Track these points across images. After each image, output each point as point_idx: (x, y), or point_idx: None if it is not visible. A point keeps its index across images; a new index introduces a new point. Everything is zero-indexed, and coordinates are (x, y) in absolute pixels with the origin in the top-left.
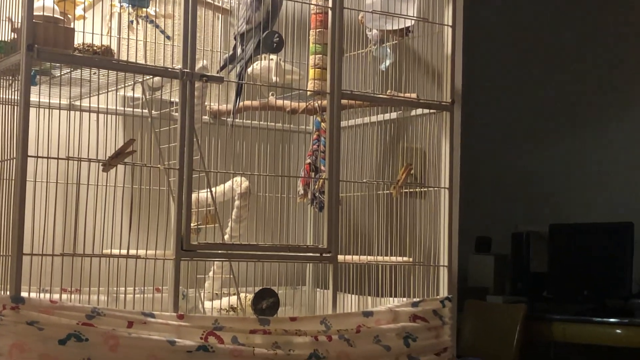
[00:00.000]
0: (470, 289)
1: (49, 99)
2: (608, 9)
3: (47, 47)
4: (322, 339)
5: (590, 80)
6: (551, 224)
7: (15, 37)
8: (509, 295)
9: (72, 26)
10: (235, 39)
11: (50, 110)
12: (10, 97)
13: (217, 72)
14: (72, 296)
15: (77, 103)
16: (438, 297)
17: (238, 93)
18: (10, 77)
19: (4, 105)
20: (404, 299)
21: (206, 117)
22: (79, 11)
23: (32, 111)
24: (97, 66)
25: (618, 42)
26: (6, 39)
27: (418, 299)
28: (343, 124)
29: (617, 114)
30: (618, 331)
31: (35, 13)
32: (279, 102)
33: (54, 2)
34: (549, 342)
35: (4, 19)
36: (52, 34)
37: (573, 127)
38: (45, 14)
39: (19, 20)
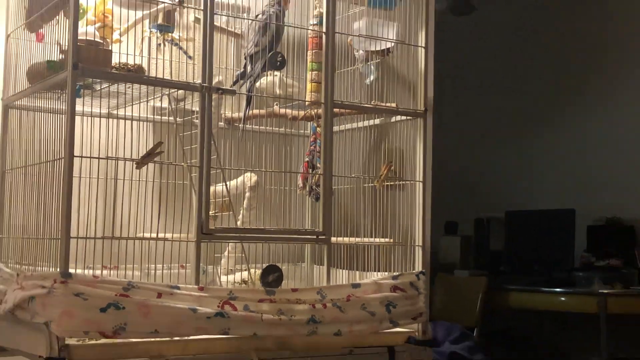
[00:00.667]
0: (440, 265)
1: (91, 109)
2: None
3: (89, 65)
4: (318, 306)
5: (536, 94)
6: (507, 211)
7: (63, 57)
8: (473, 270)
9: (110, 48)
10: (245, 58)
11: (92, 118)
12: (59, 107)
13: (231, 86)
14: (111, 272)
15: (114, 112)
16: (414, 271)
17: (248, 103)
18: (59, 91)
19: (54, 114)
20: (386, 273)
21: (221, 123)
22: (115, 36)
23: (77, 119)
24: (131, 81)
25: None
26: (56, 59)
27: (397, 273)
28: (335, 128)
29: (559, 121)
30: (562, 299)
31: (79, 37)
32: (282, 111)
33: (94, 28)
34: (505, 308)
35: (54, 42)
36: (93, 55)
37: (525, 131)
38: (87, 38)
39: (66, 44)
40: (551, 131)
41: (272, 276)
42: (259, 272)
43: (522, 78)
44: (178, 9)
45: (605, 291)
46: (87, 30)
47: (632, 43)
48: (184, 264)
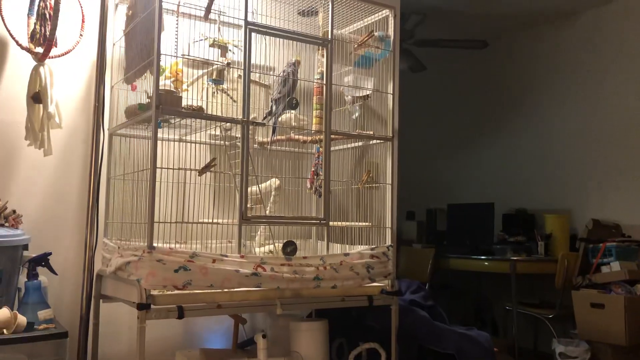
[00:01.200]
0: (403, 240)
1: (168, 135)
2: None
3: (167, 106)
4: (320, 268)
5: (466, 124)
6: (448, 204)
7: (149, 101)
8: (425, 244)
9: (180, 95)
10: (271, 101)
11: (168, 142)
12: (146, 134)
13: (262, 120)
14: (181, 245)
15: (184, 137)
16: (385, 245)
17: (273, 132)
18: (146, 124)
19: (143, 139)
20: (366, 246)
21: (255, 145)
22: (184, 87)
23: (158, 143)
24: (195, 117)
25: (480, 102)
26: (144, 102)
27: (374, 246)
28: (332, 148)
29: (482, 142)
30: (486, 263)
31: (160, 88)
32: (296, 137)
33: (170, 81)
34: (447, 270)
35: (143, 91)
36: (169, 99)
37: (459, 149)
38: (165, 88)
39: (152, 92)
40: (477, 149)
41: (289, 248)
42: (280, 245)
43: (456, 113)
44: (227, 68)
45: (515, 258)
46: (165, 83)
47: (528, 94)
48: (230, 240)
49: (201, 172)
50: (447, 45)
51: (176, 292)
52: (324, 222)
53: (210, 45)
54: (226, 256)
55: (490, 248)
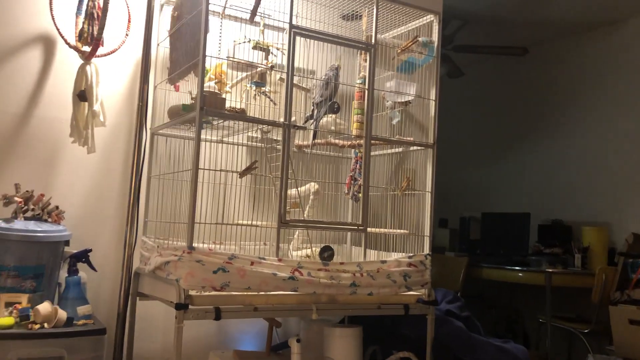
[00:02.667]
0: (435, 248)
1: (211, 136)
2: (511, 89)
3: (210, 108)
4: (357, 275)
5: (504, 130)
6: (482, 212)
7: (193, 102)
8: (458, 252)
9: (224, 96)
10: (312, 105)
11: (212, 142)
12: (188, 134)
13: (303, 124)
14: (220, 246)
15: (226, 139)
16: (423, 253)
17: (314, 136)
18: (189, 124)
19: (186, 140)
20: (404, 254)
21: (294, 148)
22: (227, 88)
23: (202, 143)
24: (237, 119)
25: (518, 108)
26: (188, 103)
27: (412, 254)
28: (371, 153)
29: (520, 149)
30: (520, 274)
31: (204, 89)
32: (336, 141)
33: (214, 83)
34: (480, 279)
35: (187, 91)
36: (213, 101)
37: (495, 157)
38: (209, 90)
39: (196, 93)
40: (514, 157)
41: (326, 253)
42: (317, 250)
43: (494, 120)
44: (269, 71)
45: (550, 270)
46: (209, 84)
47: (568, 103)
48: (266, 242)
49: (242, 174)
50: (486, 52)
51: (214, 292)
52: (362, 228)
53: (252, 48)
54: (264, 259)
55: (524, 259)
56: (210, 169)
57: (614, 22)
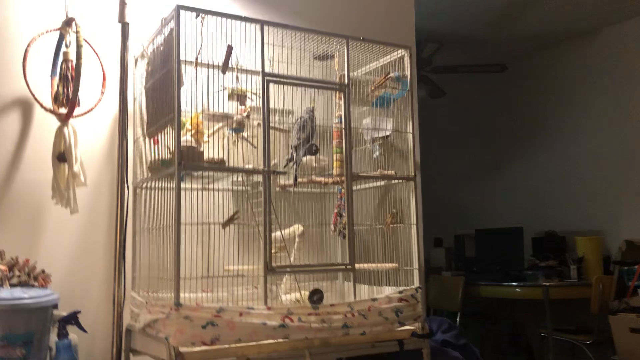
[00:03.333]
0: (432, 268)
1: (191, 185)
2: (497, 107)
3: (189, 161)
4: (349, 315)
5: (492, 149)
6: (476, 229)
7: (171, 157)
8: (454, 271)
9: (201, 150)
10: (291, 148)
11: (191, 191)
12: (169, 186)
13: (283, 167)
14: (208, 294)
15: (207, 186)
16: (413, 286)
17: (295, 180)
18: (170, 178)
19: (167, 191)
20: (395, 288)
21: (278, 188)
22: (205, 138)
23: (184, 192)
24: (216, 170)
25: (504, 127)
26: (167, 158)
27: (402, 288)
28: (354, 188)
29: (510, 167)
30: (517, 289)
31: (182, 143)
32: (318, 179)
33: (191, 134)
34: (478, 297)
35: (165, 145)
36: (191, 155)
37: (486, 175)
38: (187, 144)
39: (173, 147)
40: (502, 173)
41: (316, 296)
42: (306, 293)
43: (479, 137)
44: (246, 119)
45: (547, 283)
46: (186, 138)
47: (553, 115)
48: (256, 285)
49: (225, 225)
50: (465, 71)
51: (205, 347)
52: (350, 267)
53: (228, 97)
54: (253, 309)
55: (521, 274)
56: (192, 223)
57: (588, 33)
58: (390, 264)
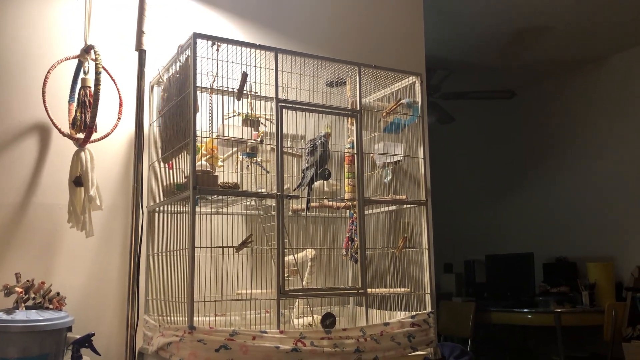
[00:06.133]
0: (442, 294)
1: (206, 209)
2: (505, 131)
3: (204, 186)
4: (361, 340)
5: (500, 175)
6: (486, 255)
7: (186, 181)
8: (465, 297)
9: (216, 174)
10: (302, 172)
11: (205, 215)
12: (183, 209)
13: (294, 190)
14: (221, 318)
15: (221, 210)
16: (425, 311)
17: (307, 204)
18: (185, 202)
19: (182, 215)
20: (407, 313)
21: (290, 212)
22: (220, 162)
23: (199, 216)
24: (230, 194)
25: (512, 153)
26: (181, 182)
27: (415, 313)
28: (366, 212)
29: (519, 192)
30: (529, 316)
31: (197, 168)
32: (330, 203)
33: (205, 159)
34: (489, 324)
35: (180, 170)
36: (205, 179)
37: (496, 201)
38: (202, 168)
39: (188, 171)
40: (512, 198)
41: (328, 320)
42: (319, 317)
43: (489, 163)
44: (259, 144)
45: (559, 310)
46: (202, 163)
47: (562, 140)
48: (268, 309)
49: (238, 249)
50: (474, 97)
51: None
52: (362, 292)
53: (242, 123)
54: (265, 332)
55: (532, 300)
56: (206, 247)
57: (600, 59)
58: (402, 289)
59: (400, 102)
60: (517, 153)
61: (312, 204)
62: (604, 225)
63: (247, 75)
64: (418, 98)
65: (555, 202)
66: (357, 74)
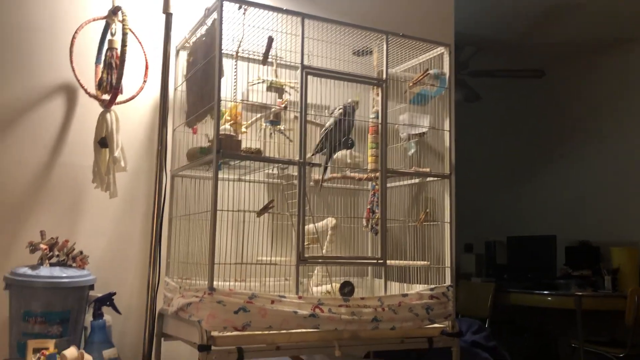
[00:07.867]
0: (461, 274)
1: (228, 176)
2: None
3: (227, 150)
4: (379, 310)
5: (526, 153)
6: (508, 236)
7: (210, 144)
8: (484, 278)
9: (239, 138)
10: (320, 136)
11: (227, 181)
12: (207, 175)
13: (312, 155)
14: (240, 283)
15: (243, 177)
16: (445, 284)
17: (324, 171)
18: (207, 166)
19: (204, 180)
20: (426, 285)
21: (311, 182)
22: (243, 129)
23: (221, 183)
24: (253, 160)
25: (538, 132)
26: (205, 146)
27: (434, 286)
28: (388, 185)
29: (543, 172)
30: (549, 298)
31: (220, 132)
32: (352, 174)
33: (229, 124)
34: (508, 305)
35: (204, 134)
36: (229, 143)
37: (519, 180)
38: (225, 132)
39: (212, 136)
40: (537, 179)
41: (347, 288)
42: (337, 285)
43: (515, 143)
44: (283, 111)
45: (580, 293)
46: (225, 127)
47: (590, 122)
48: (287, 277)
49: (260, 213)
50: (503, 75)
51: (236, 332)
52: (381, 262)
53: (267, 89)
54: (284, 297)
55: (553, 282)
56: (228, 210)
57: (630, 40)
58: (421, 262)
59: (427, 72)
60: (543, 133)
61: (333, 175)
62: (629, 210)
63: (272, 39)
64: (446, 69)
65: (580, 185)
66: (384, 42)
